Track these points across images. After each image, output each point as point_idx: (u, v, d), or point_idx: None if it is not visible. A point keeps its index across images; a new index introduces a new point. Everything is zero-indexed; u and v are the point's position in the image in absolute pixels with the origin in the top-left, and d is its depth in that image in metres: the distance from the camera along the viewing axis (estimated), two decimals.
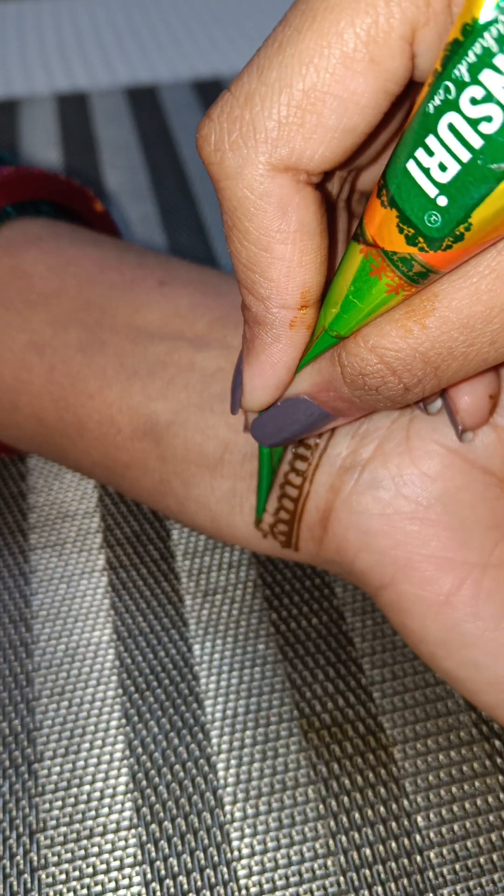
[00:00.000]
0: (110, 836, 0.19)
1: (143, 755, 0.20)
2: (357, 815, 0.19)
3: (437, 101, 0.11)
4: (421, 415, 0.18)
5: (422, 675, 0.22)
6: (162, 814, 0.19)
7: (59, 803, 0.20)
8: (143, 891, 0.18)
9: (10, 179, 0.23)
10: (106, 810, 0.19)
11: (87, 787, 0.20)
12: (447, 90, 0.11)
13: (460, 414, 0.17)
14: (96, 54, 0.59)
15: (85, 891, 0.18)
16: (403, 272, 0.13)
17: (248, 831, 0.19)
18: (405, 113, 0.15)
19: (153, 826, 0.19)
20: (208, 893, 0.18)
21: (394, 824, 0.19)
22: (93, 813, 0.19)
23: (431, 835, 0.19)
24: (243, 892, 0.18)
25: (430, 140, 0.12)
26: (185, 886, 0.18)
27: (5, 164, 0.24)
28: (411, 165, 0.12)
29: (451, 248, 0.12)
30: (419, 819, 0.19)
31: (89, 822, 0.19)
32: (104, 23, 0.64)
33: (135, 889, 0.18)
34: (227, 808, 0.19)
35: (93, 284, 0.22)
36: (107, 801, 0.20)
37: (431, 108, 0.12)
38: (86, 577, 0.25)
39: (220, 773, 0.20)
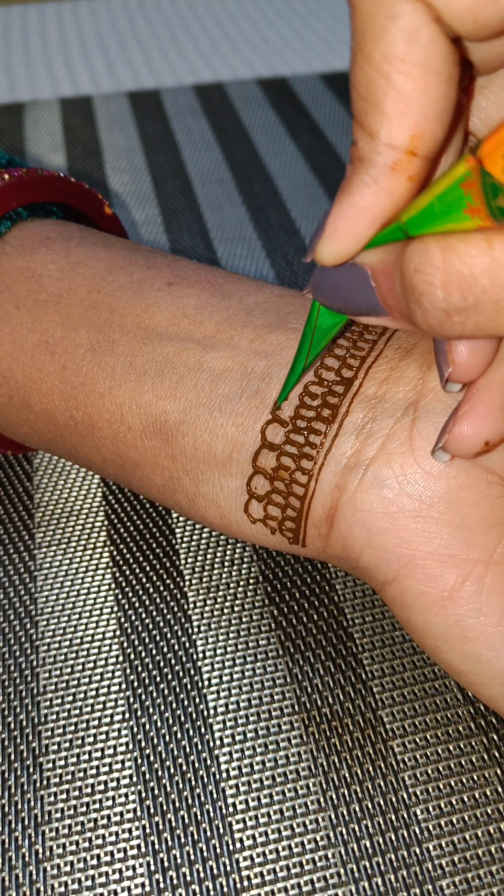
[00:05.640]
0: (114, 828, 0.19)
1: (146, 748, 0.21)
2: (357, 808, 0.20)
3: None
4: (424, 415, 0.18)
5: (421, 669, 0.22)
6: (165, 805, 0.20)
7: (64, 796, 0.20)
8: (147, 881, 0.18)
9: (23, 181, 0.23)
10: (110, 802, 0.20)
11: (91, 780, 0.20)
12: None
13: (455, 364, 0.17)
14: (100, 59, 0.59)
15: (89, 881, 0.18)
16: (489, 200, 0.13)
17: (249, 823, 0.19)
18: None
19: (156, 818, 0.19)
20: (210, 884, 0.18)
21: (393, 816, 0.19)
22: (97, 805, 0.20)
23: (430, 827, 0.19)
24: (245, 882, 0.18)
25: None
26: (188, 877, 0.18)
27: (17, 167, 0.25)
28: None
29: None
30: (418, 811, 0.19)
31: (93, 814, 0.20)
32: (107, 28, 0.64)
33: (138, 880, 0.18)
34: (229, 799, 0.20)
35: (102, 285, 0.22)
36: (111, 793, 0.20)
37: None
38: (90, 573, 0.25)
39: (223, 766, 0.20)
